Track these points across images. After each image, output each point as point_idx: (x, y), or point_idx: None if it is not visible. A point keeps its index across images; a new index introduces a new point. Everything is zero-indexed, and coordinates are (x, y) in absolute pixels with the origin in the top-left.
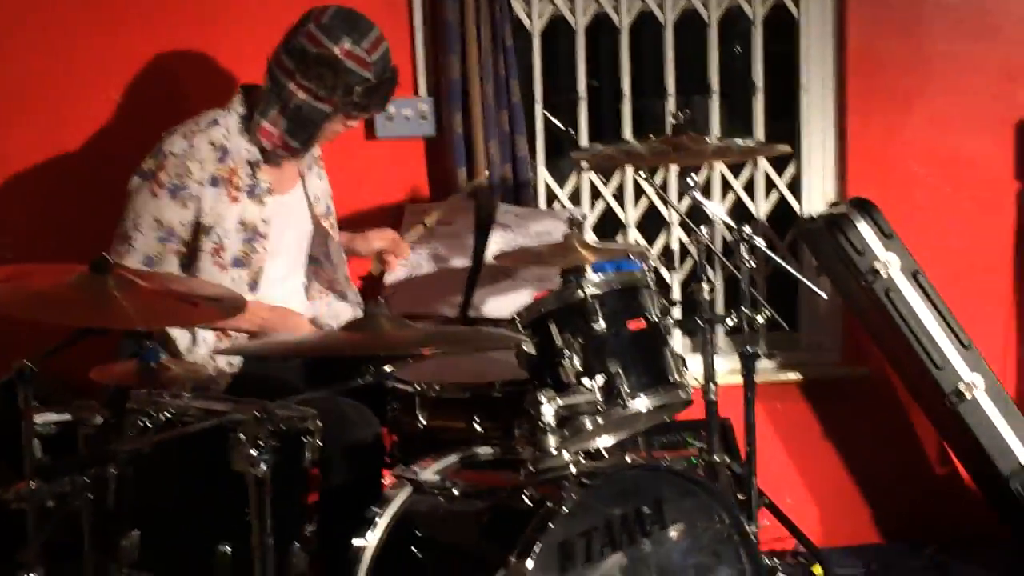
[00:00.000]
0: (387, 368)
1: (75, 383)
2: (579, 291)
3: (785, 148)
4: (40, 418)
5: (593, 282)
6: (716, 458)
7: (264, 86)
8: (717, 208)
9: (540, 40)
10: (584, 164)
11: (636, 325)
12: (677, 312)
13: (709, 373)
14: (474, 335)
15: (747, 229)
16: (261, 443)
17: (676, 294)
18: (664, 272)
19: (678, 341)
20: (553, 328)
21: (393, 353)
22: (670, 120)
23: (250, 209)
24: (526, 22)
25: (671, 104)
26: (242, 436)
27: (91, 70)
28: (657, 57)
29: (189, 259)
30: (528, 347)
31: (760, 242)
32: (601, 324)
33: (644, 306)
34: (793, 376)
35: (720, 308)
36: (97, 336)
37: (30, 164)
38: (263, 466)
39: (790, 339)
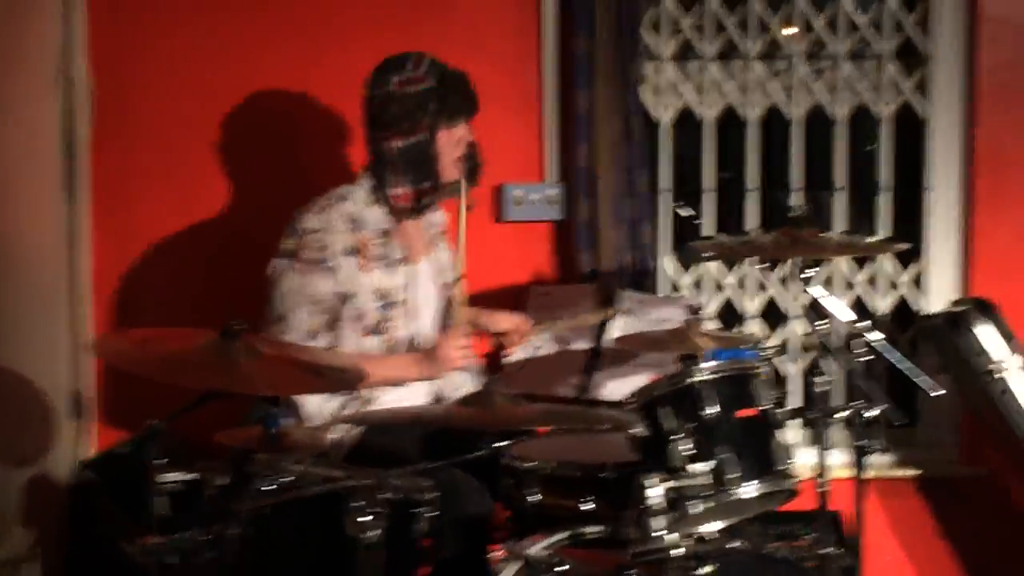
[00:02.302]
0: (501, 443)
1: (204, 444)
2: (690, 377)
3: (904, 246)
4: (168, 476)
5: (705, 369)
6: (825, 550)
7: (374, 165)
8: (834, 303)
9: (669, 132)
10: (705, 253)
11: (746, 413)
12: (795, 402)
13: (822, 466)
14: (586, 415)
15: (862, 324)
16: (374, 510)
17: (795, 385)
18: (787, 363)
19: (797, 433)
20: (664, 412)
21: (507, 430)
22: (794, 212)
23: (384, 278)
24: (655, 114)
25: (795, 199)
26: (356, 503)
27: (217, 144)
28: (786, 151)
29: (333, 328)
30: (639, 430)
31: (875, 336)
32: (711, 410)
33: (755, 395)
34: (910, 472)
35: (841, 401)
36: (224, 399)
37: (166, 234)
38: (375, 532)
39: (908, 435)
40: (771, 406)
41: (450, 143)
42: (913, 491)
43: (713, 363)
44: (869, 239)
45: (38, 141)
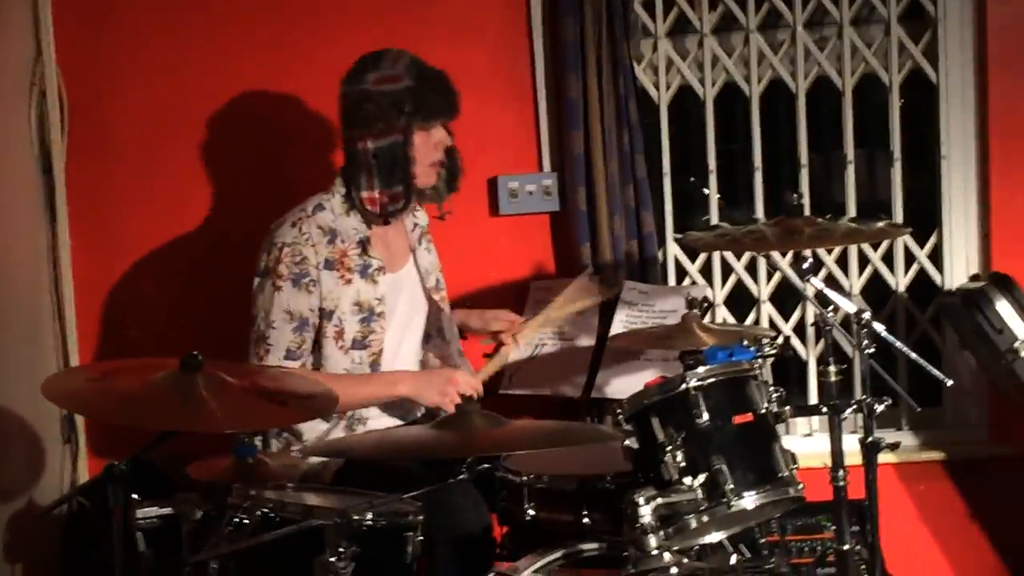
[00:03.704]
0: (484, 466)
1: (183, 473)
2: (682, 383)
3: (908, 230)
4: (143, 511)
5: (696, 375)
6: (845, 546)
7: (347, 166)
8: (837, 296)
9: (668, 112)
10: (706, 244)
11: (743, 418)
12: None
13: (837, 459)
14: (571, 431)
15: (866, 315)
16: (341, 550)
17: (812, 370)
18: (800, 348)
19: (813, 422)
20: (655, 422)
21: (485, 454)
22: (789, 202)
23: (364, 289)
24: (653, 94)
25: (803, 176)
26: (327, 539)
27: (196, 152)
28: (793, 116)
29: (316, 345)
30: (630, 442)
31: (879, 328)
32: (704, 418)
33: (751, 398)
34: (937, 455)
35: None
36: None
37: (147, 247)
38: (345, 571)
39: (935, 416)
40: (769, 409)
41: (426, 146)
42: (942, 473)
43: (704, 368)
44: (877, 224)
45: (13, 154)
